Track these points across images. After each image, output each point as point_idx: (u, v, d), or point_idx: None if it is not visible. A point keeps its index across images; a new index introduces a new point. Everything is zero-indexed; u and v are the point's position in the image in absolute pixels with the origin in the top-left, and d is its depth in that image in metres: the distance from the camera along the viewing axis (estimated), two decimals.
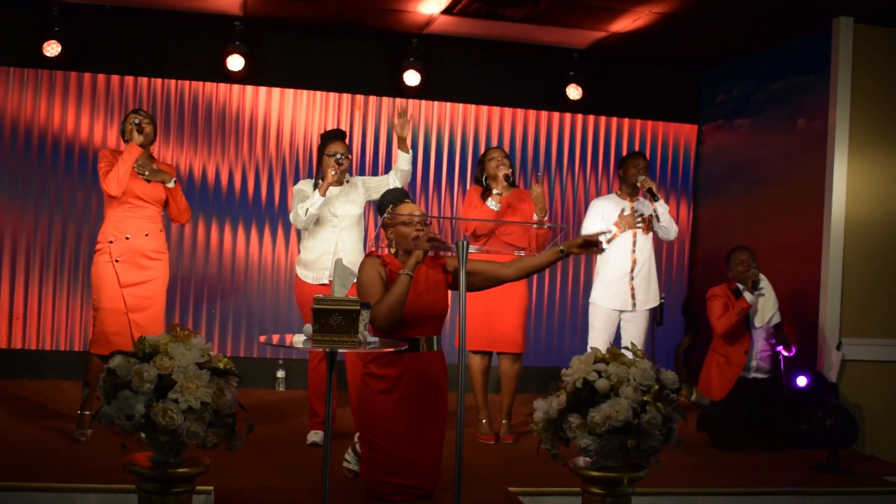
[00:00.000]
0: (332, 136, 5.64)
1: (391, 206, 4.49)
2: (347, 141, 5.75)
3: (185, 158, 7.49)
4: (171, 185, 5.38)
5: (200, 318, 7.51)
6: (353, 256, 5.52)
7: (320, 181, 5.52)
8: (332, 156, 5.52)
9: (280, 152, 7.63)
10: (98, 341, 5.22)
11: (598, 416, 3.53)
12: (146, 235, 5.32)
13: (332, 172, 5.45)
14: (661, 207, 6.19)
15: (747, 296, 6.03)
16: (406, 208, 4.43)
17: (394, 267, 4.31)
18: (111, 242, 5.25)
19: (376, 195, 5.63)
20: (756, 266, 6.14)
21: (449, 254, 4.54)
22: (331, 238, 5.54)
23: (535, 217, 5.85)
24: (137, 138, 5.32)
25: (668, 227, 6.23)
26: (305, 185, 5.64)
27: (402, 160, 5.73)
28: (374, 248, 4.49)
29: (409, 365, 4.26)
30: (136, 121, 5.34)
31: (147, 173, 5.33)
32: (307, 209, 5.47)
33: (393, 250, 4.42)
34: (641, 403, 3.56)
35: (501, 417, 6.02)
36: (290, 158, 7.65)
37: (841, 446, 5.62)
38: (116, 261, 5.24)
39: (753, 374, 6.13)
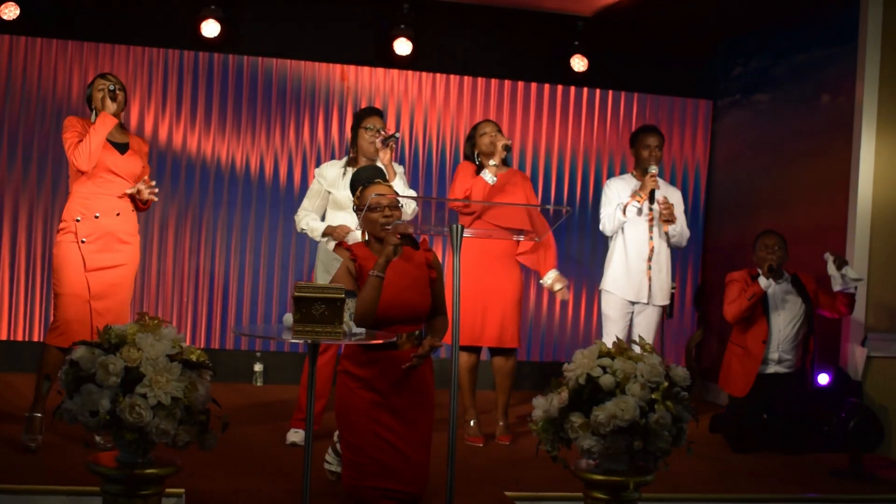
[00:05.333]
0: (370, 112, 5.67)
1: (361, 187, 4.45)
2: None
3: (160, 130, 7.45)
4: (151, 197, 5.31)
5: (173, 306, 7.50)
6: None
7: (352, 155, 5.63)
8: (368, 128, 5.56)
9: (261, 127, 7.60)
10: (57, 330, 5.11)
11: (602, 415, 3.53)
12: (117, 215, 5.21)
13: (378, 145, 5.49)
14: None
15: (761, 281, 6.06)
16: (375, 190, 4.38)
17: (364, 261, 4.26)
18: (78, 221, 5.13)
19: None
20: (783, 253, 6.17)
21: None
22: (351, 224, 5.52)
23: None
24: (111, 106, 5.15)
25: (681, 234, 6.25)
26: (329, 168, 5.66)
27: None
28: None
29: (388, 364, 4.25)
30: (111, 87, 5.17)
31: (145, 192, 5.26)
32: (304, 229, 5.60)
33: (364, 237, 4.41)
34: (649, 402, 3.57)
35: (497, 417, 6.02)
36: (272, 134, 7.62)
37: (864, 450, 5.64)
38: (83, 241, 5.11)
39: (774, 369, 6.15)
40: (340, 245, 4.35)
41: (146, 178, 5.33)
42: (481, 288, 5.82)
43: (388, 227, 4.25)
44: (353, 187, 4.48)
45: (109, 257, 5.19)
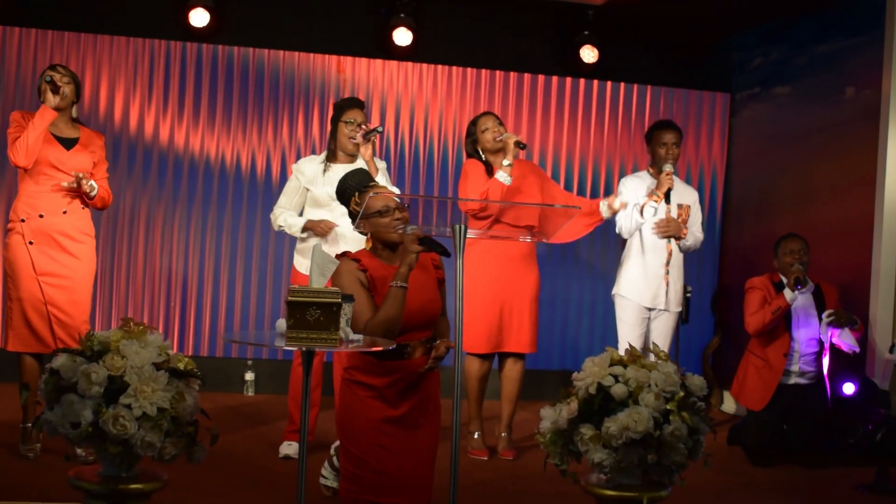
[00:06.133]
0: (350, 104, 5.66)
1: (356, 193, 4.41)
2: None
3: (146, 125, 7.45)
4: (92, 194, 5.29)
5: (160, 311, 7.50)
6: (353, 246, 5.48)
7: (332, 148, 5.62)
8: (349, 122, 5.55)
9: (252, 122, 7.60)
10: (15, 337, 5.20)
11: (613, 426, 3.53)
12: (64, 213, 5.25)
13: (359, 140, 5.48)
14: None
15: (787, 293, 6.03)
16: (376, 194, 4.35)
17: (375, 271, 4.23)
18: (23, 221, 5.20)
19: None
20: (806, 260, 6.15)
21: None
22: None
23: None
24: (51, 99, 5.18)
25: (695, 240, 6.27)
26: (307, 164, 5.66)
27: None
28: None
29: (401, 374, 4.23)
30: (49, 78, 5.20)
31: (86, 186, 5.23)
32: (281, 226, 5.62)
33: (369, 245, 4.37)
34: (664, 412, 3.56)
35: (501, 430, 6.00)
36: (265, 129, 7.62)
37: (892, 463, 5.63)
38: (30, 242, 5.18)
39: (795, 380, 6.14)
40: (345, 255, 4.30)
41: (91, 172, 5.33)
42: (498, 292, 5.80)
43: (402, 231, 4.20)
44: (347, 194, 4.43)
45: (60, 260, 5.24)
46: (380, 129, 5.55)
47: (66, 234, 5.26)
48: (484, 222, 5.78)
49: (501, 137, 5.80)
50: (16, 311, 5.21)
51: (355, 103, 5.68)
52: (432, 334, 4.33)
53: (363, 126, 5.54)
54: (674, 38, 8.26)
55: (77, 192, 5.26)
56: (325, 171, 5.57)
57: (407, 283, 4.06)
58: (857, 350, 6.09)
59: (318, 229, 5.49)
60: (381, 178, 5.49)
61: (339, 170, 5.55)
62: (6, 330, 5.28)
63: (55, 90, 5.20)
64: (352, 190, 4.40)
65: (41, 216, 5.20)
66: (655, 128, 6.30)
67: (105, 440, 3.33)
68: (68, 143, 5.29)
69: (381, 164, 5.62)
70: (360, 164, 5.56)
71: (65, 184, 5.22)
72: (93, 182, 5.28)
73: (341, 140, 5.59)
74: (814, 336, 6.17)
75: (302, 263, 5.61)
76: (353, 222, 4.36)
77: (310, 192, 5.57)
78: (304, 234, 5.56)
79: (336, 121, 5.62)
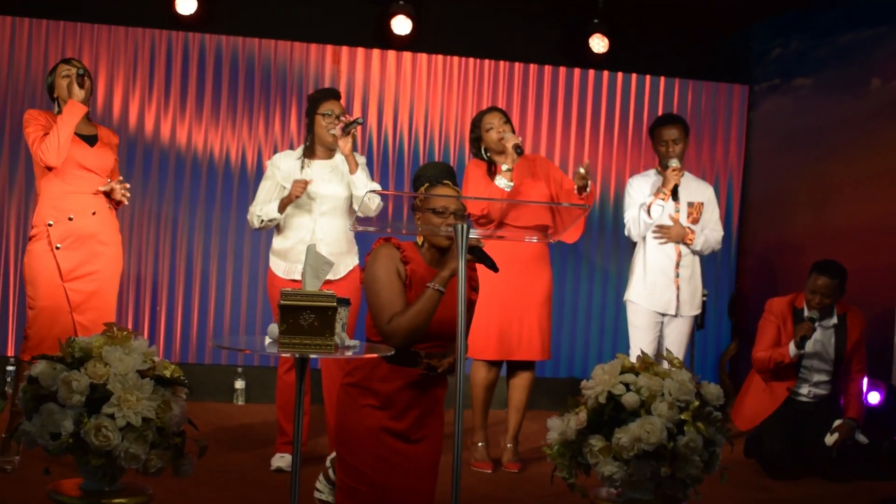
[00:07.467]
0: (326, 95, 5.61)
1: (427, 185, 4.38)
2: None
3: (129, 118, 7.45)
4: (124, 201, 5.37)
5: (144, 315, 7.50)
6: (333, 248, 5.47)
7: (308, 144, 5.57)
8: (326, 115, 5.50)
9: (243, 116, 7.60)
10: (34, 346, 5.09)
11: (625, 437, 3.52)
12: (93, 214, 5.22)
13: (337, 133, 5.42)
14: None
15: (791, 349, 5.94)
16: (442, 192, 4.32)
17: (416, 267, 4.20)
18: (50, 225, 5.14)
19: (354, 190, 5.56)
20: (832, 301, 6.00)
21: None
22: (307, 224, 5.51)
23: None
24: (79, 93, 5.16)
25: (706, 241, 6.21)
26: (284, 159, 5.62)
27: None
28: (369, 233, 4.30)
29: (409, 381, 4.21)
30: (80, 72, 5.19)
31: (119, 192, 5.29)
32: (261, 218, 5.52)
33: (420, 241, 4.33)
34: (678, 423, 3.56)
35: (506, 440, 5.98)
36: (255, 124, 7.61)
37: None
38: (57, 247, 5.13)
39: (806, 399, 6.10)
40: (389, 241, 4.25)
41: (120, 178, 5.34)
42: (507, 295, 5.77)
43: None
44: (418, 183, 4.39)
45: (88, 263, 5.21)
46: (360, 120, 5.49)
47: (95, 236, 5.22)
48: (486, 229, 5.75)
49: (503, 139, 5.77)
50: (37, 322, 5.15)
51: (332, 94, 5.63)
52: (445, 352, 4.29)
53: (342, 118, 5.50)
54: (688, 26, 8.25)
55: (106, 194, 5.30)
56: (302, 167, 5.53)
57: (444, 289, 4.03)
58: (867, 441, 6.04)
59: (294, 193, 5.42)
60: (362, 174, 5.46)
61: (318, 166, 5.53)
62: (25, 339, 5.20)
63: (81, 83, 5.18)
64: (424, 180, 4.35)
65: (70, 219, 5.16)
66: (656, 125, 6.27)
67: (87, 452, 3.33)
68: (90, 140, 5.28)
69: (361, 160, 5.58)
70: (339, 159, 5.54)
71: (102, 188, 5.24)
72: (124, 190, 5.32)
73: (319, 133, 5.55)
74: (827, 369, 6.09)
75: (279, 266, 5.58)
76: (414, 213, 4.30)
77: (286, 189, 5.53)
78: (281, 215, 5.49)
79: (312, 113, 5.57)
